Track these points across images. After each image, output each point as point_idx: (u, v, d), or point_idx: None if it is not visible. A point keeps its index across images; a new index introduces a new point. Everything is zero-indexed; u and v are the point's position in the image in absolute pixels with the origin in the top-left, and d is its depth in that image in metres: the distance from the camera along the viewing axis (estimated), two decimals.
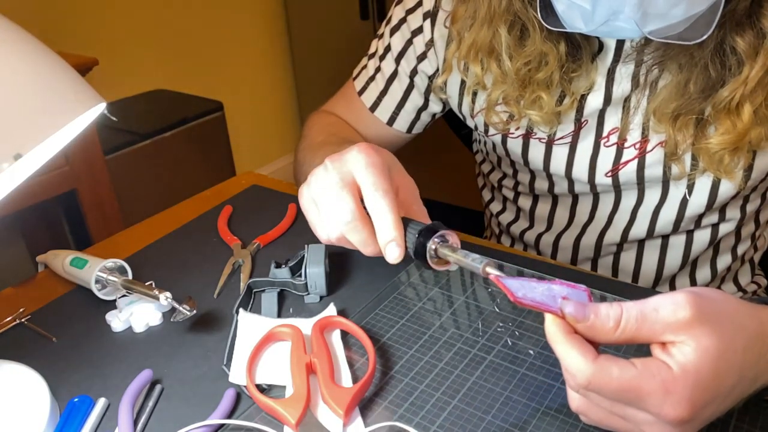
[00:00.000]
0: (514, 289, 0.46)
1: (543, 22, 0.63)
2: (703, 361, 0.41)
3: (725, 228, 0.80)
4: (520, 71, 0.71)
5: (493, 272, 0.48)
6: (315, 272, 0.65)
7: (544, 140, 0.77)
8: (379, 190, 0.55)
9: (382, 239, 0.55)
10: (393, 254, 0.55)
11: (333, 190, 0.57)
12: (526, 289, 0.46)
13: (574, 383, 0.43)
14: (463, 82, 0.81)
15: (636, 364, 0.42)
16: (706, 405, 0.42)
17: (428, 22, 0.81)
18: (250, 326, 0.61)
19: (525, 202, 0.88)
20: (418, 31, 0.82)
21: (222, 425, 0.52)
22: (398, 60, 0.85)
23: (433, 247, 0.54)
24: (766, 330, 0.44)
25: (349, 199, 0.56)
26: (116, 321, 0.64)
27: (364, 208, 0.57)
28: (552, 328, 0.44)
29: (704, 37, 0.57)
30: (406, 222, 0.56)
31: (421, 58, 0.83)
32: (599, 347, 0.45)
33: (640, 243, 0.81)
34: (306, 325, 0.61)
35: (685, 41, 0.59)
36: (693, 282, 0.85)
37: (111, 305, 0.67)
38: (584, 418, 0.47)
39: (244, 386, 0.55)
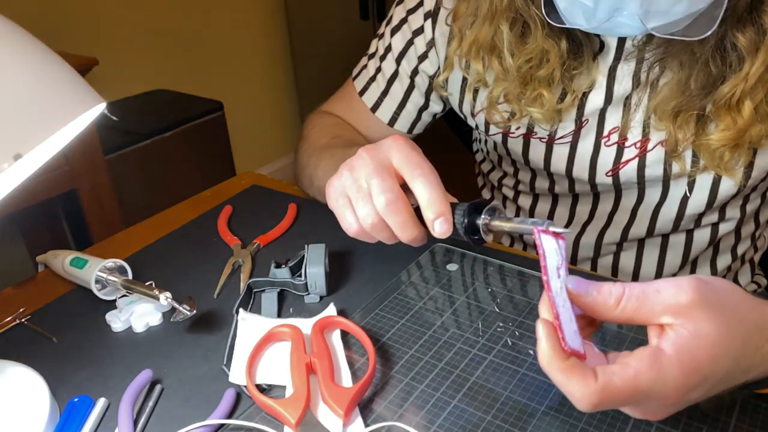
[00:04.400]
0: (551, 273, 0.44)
1: (546, 18, 0.63)
2: (699, 343, 0.41)
3: (725, 227, 0.80)
4: (522, 68, 0.71)
5: (556, 230, 0.47)
6: (315, 272, 0.65)
7: (545, 139, 0.77)
8: (423, 168, 0.56)
9: (430, 214, 0.55)
10: (442, 228, 0.55)
11: (372, 174, 0.57)
12: (553, 277, 0.45)
13: (582, 408, 0.42)
14: (464, 80, 0.81)
15: (629, 363, 0.41)
16: (697, 386, 0.42)
17: (429, 21, 0.81)
18: (250, 326, 0.61)
19: (525, 202, 0.88)
20: (419, 31, 0.82)
21: (222, 425, 0.52)
22: (399, 60, 0.85)
23: (484, 222, 0.54)
24: (767, 324, 0.44)
25: (390, 179, 0.56)
26: (116, 321, 0.64)
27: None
28: (546, 358, 0.42)
29: (708, 33, 0.57)
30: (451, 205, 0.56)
31: (422, 58, 0.83)
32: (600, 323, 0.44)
33: (640, 242, 0.81)
34: (306, 325, 0.61)
35: (688, 37, 0.59)
36: None
37: (111, 305, 0.67)
38: None
39: (244, 386, 0.55)
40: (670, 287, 0.42)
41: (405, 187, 0.58)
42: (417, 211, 0.57)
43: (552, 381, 0.43)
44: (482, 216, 0.54)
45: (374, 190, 0.57)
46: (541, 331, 0.43)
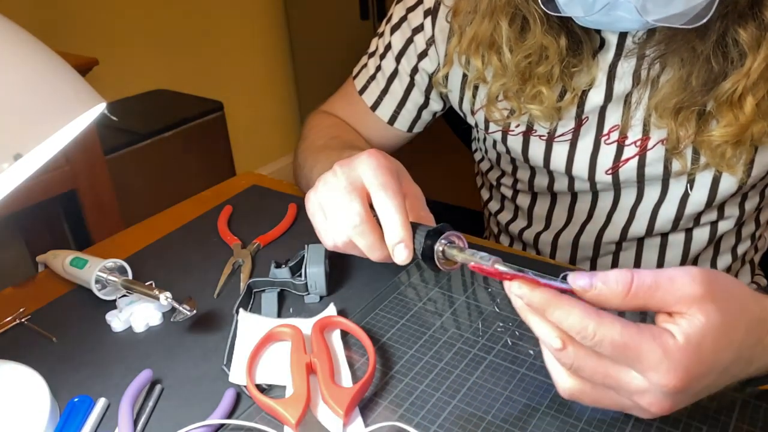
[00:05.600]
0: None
1: (543, 7, 0.63)
2: (706, 334, 0.41)
3: (724, 226, 0.80)
4: (521, 64, 0.71)
5: (502, 269, 0.48)
6: (315, 272, 0.65)
7: (545, 137, 0.77)
8: (388, 192, 0.55)
9: (391, 240, 0.54)
10: (401, 255, 0.54)
11: (341, 194, 0.57)
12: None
13: (580, 337, 0.42)
14: (464, 77, 0.81)
15: (639, 324, 0.42)
16: (701, 377, 0.42)
17: (429, 19, 0.81)
18: (250, 326, 0.61)
19: (523, 201, 0.88)
20: (419, 28, 0.82)
21: (222, 425, 0.52)
22: (399, 58, 0.85)
23: (441, 248, 0.54)
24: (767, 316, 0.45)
25: (358, 202, 0.56)
26: (116, 321, 0.64)
27: (373, 213, 0.57)
28: (539, 297, 0.43)
29: (706, 19, 0.57)
30: (414, 226, 0.55)
31: (422, 56, 0.83)
32: None
33: (639, 241, 0.81)
34: (306, 325, 0.61)
35: (687, 25, 0.59)
36: None
37: (111, 305, 0.67)
38: (574, 397, 0.46)
39: (244, 386, 0.55)
40: (683, 277, 0.43)
41: None
42: None
43: (554, 318, 0.43)
44: (439, 242, 0.54)
45: (343, 212, 0.56)
46: (522, 288, 0.44)
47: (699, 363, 0.42)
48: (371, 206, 0.57)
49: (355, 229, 0.56)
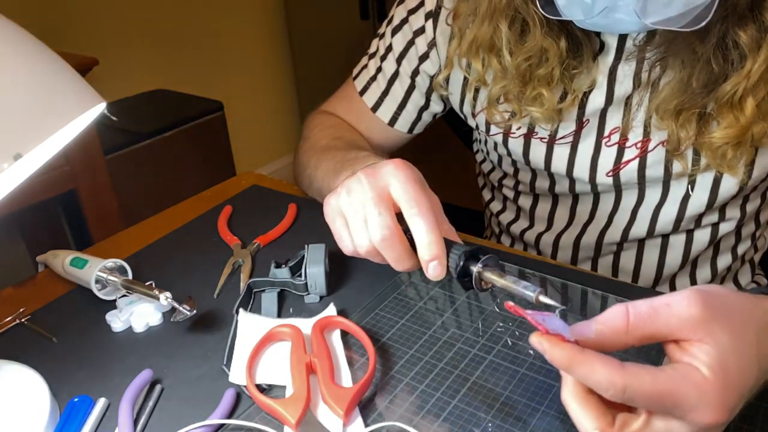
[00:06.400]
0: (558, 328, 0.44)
1: (541, 11, 0.63)
2: (726, 359, 0.40)
3: (725, 227, 0.80)
4: (521, 66, 0.71)
5: (547, 301, 0.48)
6: (315, 272, 0.65)
7: (546, 140, 0.77)
8: (421, 208, 0.55)
9: (425, 256, 0.54)
10: (435, 272, 0.54)
11: (369, 205, 0.56)
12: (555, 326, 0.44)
13: (610, 394, 0.41)
14: (465, 80, 0.81)
15: (665, 369, 0.41)
16: (737, 405, 0.41)
17: (430, 22, 0.81)
18: (250, 326, 0.61)
19: (525, 202, 0.88)
20: (420, 31, 0.82)
21: (222, 425, 0.52)
22: (399, 60, 0.85)
23: (477, 271, 0.54)
24: None
25: (387, 214, 0.56)
26: (116, 321, 0.64)
27: (401, 224, 0.56)
28: (560, 354, 0.41)
29: (706, 21, 0.57)
30: (447, 243, 0.55)
31: (423, 58, 0.83)
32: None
33: (640, 242, 0.81)
34: (306, 325, 0.61)
35: (686, 28, 0.58)
36: (693, 282, 0.85)
37: (111, 305, 0.67)
38: None
39: (244, 386, 0.55)
40: (680, 301, 0.42)
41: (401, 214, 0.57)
42: (413, 240, 0.56)
43: (578, 376, 0.41)
44: (478, 265, 0.54)
45: (370, 223, 0.56)
46: (543, 344, 0.42)
47: (731, 391, 0.41)
48: (397, 216, 0.56)
49: (384, 242, 0.56)
